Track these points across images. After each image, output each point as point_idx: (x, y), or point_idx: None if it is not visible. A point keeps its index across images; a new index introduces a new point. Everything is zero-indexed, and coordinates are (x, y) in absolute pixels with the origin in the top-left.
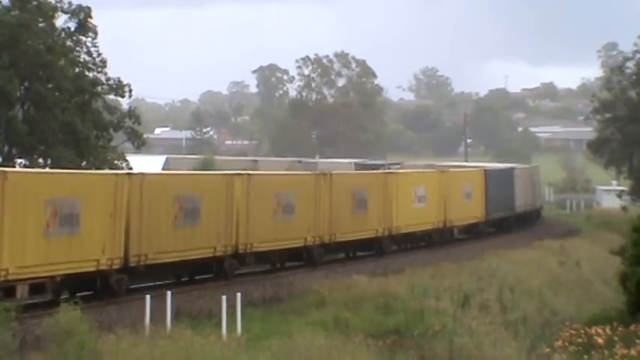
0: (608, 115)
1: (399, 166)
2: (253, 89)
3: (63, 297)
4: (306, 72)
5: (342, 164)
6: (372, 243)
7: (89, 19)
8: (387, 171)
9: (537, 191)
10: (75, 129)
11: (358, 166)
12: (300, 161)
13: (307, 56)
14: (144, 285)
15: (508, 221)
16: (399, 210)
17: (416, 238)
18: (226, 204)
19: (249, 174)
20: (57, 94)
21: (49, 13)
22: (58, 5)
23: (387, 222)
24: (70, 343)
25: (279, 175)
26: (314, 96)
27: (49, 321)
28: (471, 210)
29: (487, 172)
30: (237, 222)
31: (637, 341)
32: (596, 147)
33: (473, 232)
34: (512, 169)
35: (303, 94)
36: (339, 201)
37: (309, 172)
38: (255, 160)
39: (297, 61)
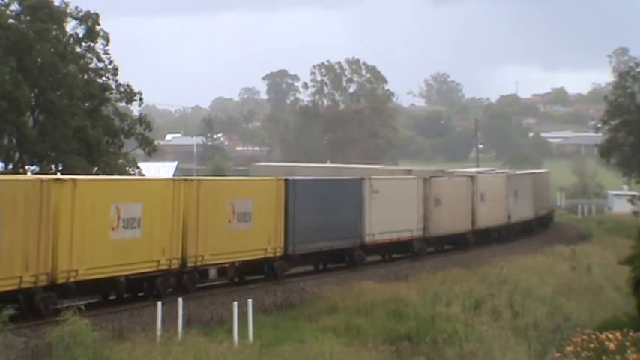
0: (617, 121)
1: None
2: (264, 95)
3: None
4: (318, 78)
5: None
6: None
7: (97, 26)
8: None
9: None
10: (86, 135)
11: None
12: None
13: (322, 62)
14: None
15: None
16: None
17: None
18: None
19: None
20: (67, 100)
21: (61, 20)
22: (67, 11)
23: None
24: (78, 352)
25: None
26: (325, 102)
27: (57, 330)
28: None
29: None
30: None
31: None
32: (606, 151)
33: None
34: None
35: (315, 100)
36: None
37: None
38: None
39: (313, 66)
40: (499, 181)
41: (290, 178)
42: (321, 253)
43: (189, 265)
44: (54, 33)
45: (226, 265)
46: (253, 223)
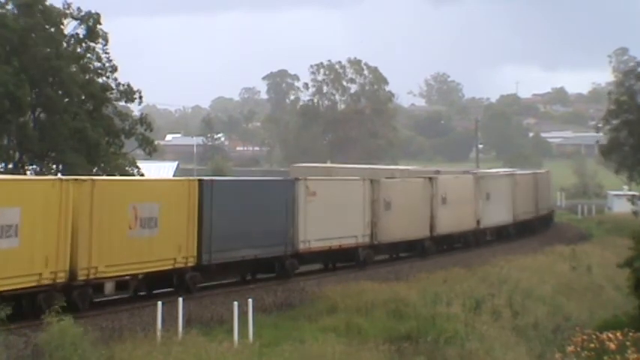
0: (617, 121)
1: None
2: (264, 95)
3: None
4: (319, 78)
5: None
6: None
7: (98, 26)
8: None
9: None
10: (86, 135)
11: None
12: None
13: (321, 62)
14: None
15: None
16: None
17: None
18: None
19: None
20: (67, 100)
21: (57, 19)
22: (67, 12)
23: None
24: (66, 353)
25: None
26: (325, 102)
27: (45, 333)
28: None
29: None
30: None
31: None
32: (608, 151)
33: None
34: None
35: (315, 100)
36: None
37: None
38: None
39: (311, 66)
40: (466, 182)
41: (206, 178)
42: (245, 263)
43: (80, 278)
44: (47, 28)
45: (127, 277)
46: (160, 229)
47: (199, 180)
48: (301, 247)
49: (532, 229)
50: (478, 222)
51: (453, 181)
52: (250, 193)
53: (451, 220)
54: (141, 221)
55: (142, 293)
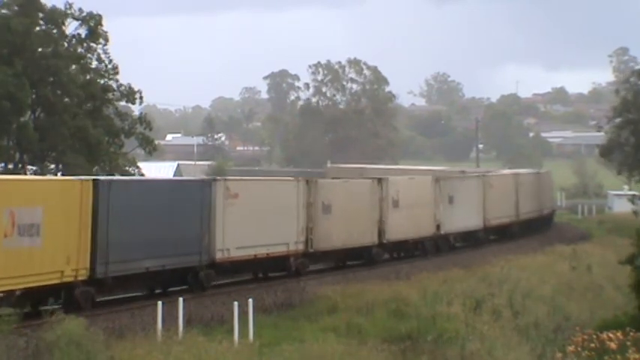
0: (619, 120)
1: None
2: (265, 95)
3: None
4: (319, 78)
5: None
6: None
7: (99, 27)
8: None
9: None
10: (87, 134)
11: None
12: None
13: (319, 62)
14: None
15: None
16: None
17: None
18: None
19: None
20: (66, 100)
21: (57, 20)
22: (68, 12)
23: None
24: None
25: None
26: (326, 102)
27: (52, 331)
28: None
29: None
30: None
31: None
32: (608, 151)
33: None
34: None
35: (314, 99)
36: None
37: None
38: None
39: (310, 66)
40: (424, 184)
41: (102, 178)
42: (151, 275)
43: None
44: (48, 28)
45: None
46: (44, 237)
47: (94, 180)
48: (219, 256)
49: (511, 234)
50: (438, 227)
51: (408, 182)
52: (157, 196)
53: (404, 226)
54: (19, 228)
55: (142, 293)
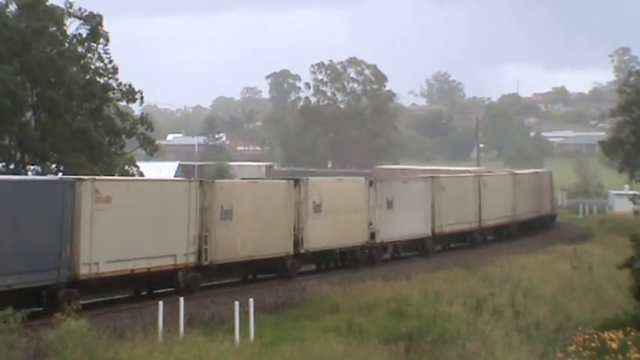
0: (621, 118)
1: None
2: (266, 95)
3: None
4: (319, 77)
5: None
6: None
7: (100, 27)
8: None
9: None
10: (88, 135)
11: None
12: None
13: (322, 62)
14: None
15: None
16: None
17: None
18: None
19: None
20: (68, 99)
21: (60, 19)
22: (70, 11)
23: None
24: (78, 352)
25: None
26: (326, 102)
27: (53, 330)
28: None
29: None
30: None
31: None
32: (609, 148)
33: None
34: None
35: (314, 99)
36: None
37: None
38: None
39: (312, 66)
40: (354, 187)
41: None
42: None
43: None
44: (51, 29)
45: None
46: None
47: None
48: (84, 271)
49: (474, 241)
50: (373, 235)
51: (334, 185)
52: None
53: (329, 234)
54: None
55: (143, 293)
